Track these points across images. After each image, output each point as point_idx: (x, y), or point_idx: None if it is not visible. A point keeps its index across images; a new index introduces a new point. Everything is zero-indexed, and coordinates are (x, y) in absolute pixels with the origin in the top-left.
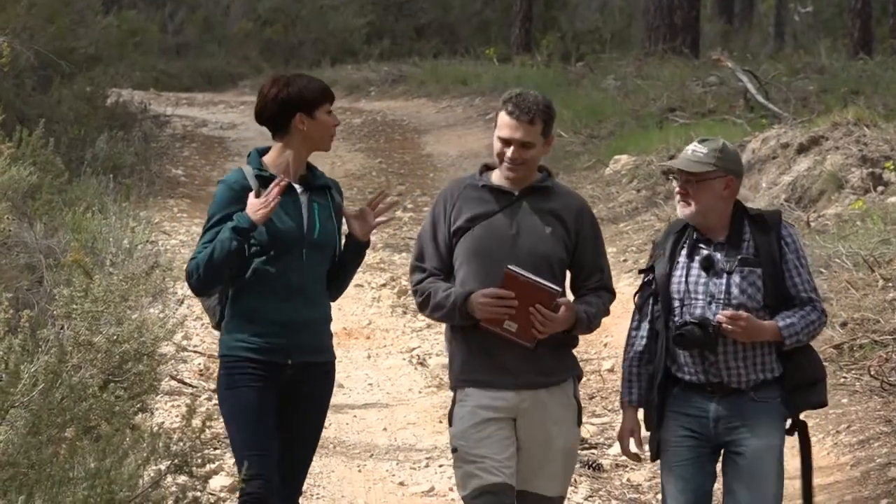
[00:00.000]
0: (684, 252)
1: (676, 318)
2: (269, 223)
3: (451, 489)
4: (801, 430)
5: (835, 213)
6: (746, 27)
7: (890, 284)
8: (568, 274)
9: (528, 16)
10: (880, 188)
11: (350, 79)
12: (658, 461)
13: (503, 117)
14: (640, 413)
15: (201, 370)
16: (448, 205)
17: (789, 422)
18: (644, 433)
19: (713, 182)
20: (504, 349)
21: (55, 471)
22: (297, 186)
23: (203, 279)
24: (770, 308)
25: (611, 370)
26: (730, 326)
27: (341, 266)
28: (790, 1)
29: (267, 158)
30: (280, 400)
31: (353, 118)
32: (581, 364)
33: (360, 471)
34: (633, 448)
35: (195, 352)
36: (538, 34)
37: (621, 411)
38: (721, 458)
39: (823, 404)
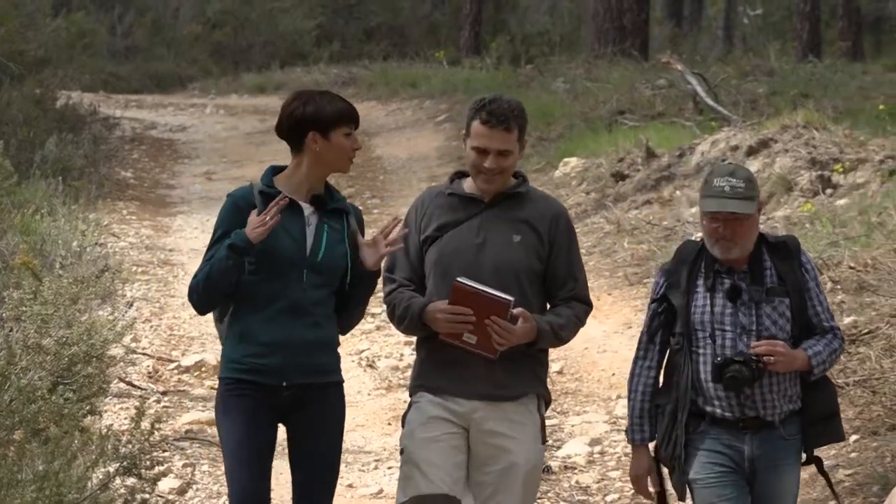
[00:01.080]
0: (701, 281)
1: (704, 351)
2: (266, 241)
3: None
4: (819, 466)
5: (784, 215)
6: (695, 30)
7: (839, 287)
8: None
9: (477, 18)
10: (829, 191)
11: (299, 81)
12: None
13: (477, 126)
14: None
15: (150, 372)
16: (419, 213)
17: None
18: (661, 468)
19: (755, 215)
20: (463, 359)
21: (3, 473)
22: (304, 206)
23: (202, 297)
24: (794, 338)
25: (559, 372)
26: (772, 358)
27: (350, 295)
28: (739, 4)
29: (280, 176)
30: (278, 422)
31: None
32: None
33: None
34: (650, 487)
35: (144, 354)
36: (487, 37)
37: (630, 449)
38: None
39: (841, 439)
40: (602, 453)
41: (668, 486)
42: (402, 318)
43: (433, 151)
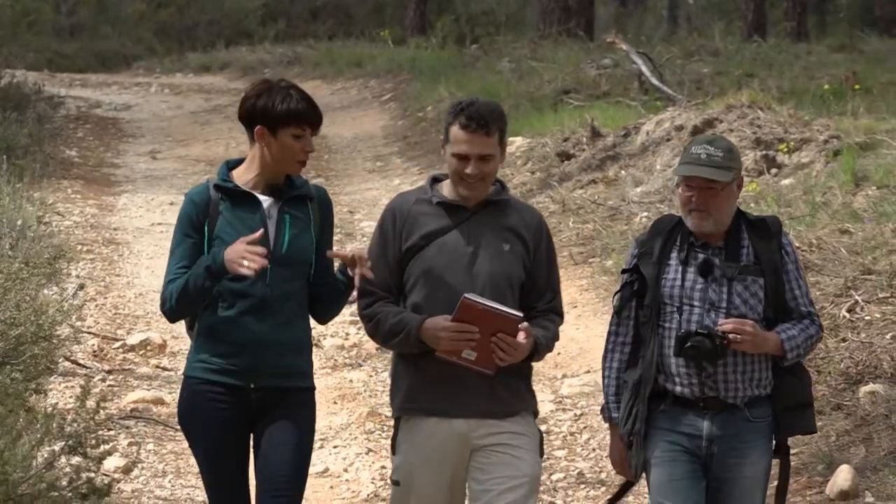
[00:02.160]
0: (675, 254)
1: (670, 325)
2: (225, 238)
3: (345, 470)
4: (785, 454)
5: None
6: (640, 10)
7: None
8: None
9: None
10: (774, 170)
11: (244, 60)
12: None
13: (457, 132)
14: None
15: (95, 351)
16: (398, 222)
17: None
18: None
19: (732, 186)
20: (458, 376)
21: None
22: (262, 198)
23: (176, 310)
24: (767, 320)
25: None
26: (738, 337)
27: (320, 300)
28: None
29: (237, 169)
30: (248, 425)
31: None
32: None
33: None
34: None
35: (89, 333)
36: (433, 16)
37: (609, 428)
38: (707, 480)
39: (813, 431)
40: (548, 433)
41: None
42: (391, 335)
43: (378, 131)
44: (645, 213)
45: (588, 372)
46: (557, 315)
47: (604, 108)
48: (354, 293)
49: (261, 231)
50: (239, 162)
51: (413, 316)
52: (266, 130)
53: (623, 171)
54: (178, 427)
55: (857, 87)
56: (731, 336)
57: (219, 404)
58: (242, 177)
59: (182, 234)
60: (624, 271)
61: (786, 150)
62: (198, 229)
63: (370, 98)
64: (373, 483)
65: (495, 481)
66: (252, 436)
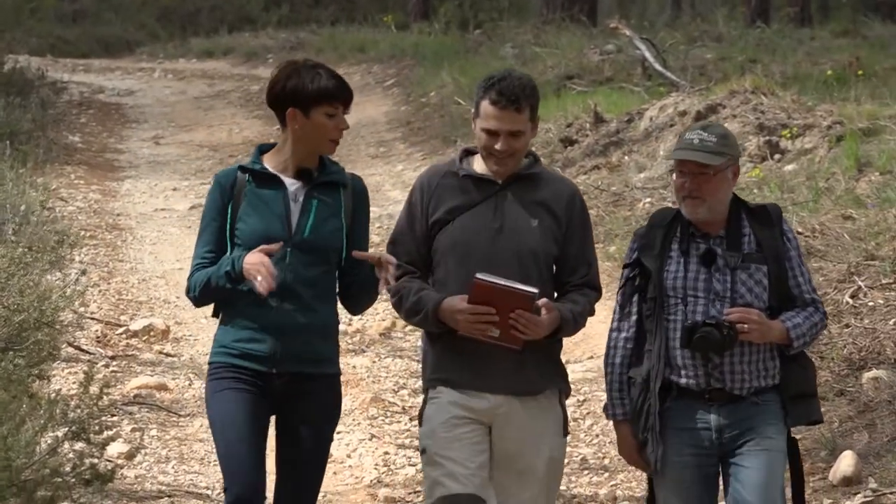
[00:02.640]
0: (676, 245)
1: (675, 317)
2: (246, 220)
3: (348, 456)
4: (793, 448)
5: None
6: None
7: None
8: None
9: None
10: (777, 156)
11: (248, 46)
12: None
13: (487, 107)
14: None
15: (98, 337)
16: (425, 195)
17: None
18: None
19: (726, 172)
20: (485, 351)
21: None
22: (288, 181)
23: (199, 300)
24: (771, 309)
25: None
26: (745, 326)
27: (350, 290)
28: None
29: (269, 153)
30: (271, 410)
31: (251, 85)
32: None
33: None
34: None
35: (93, 318)
36: (436, 1)
37: (613, 426)
38: (724, 469)
39: (820, 421)
40: None
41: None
42: (413, 313)
43: (382, 116)
44: (648, 199)
45: (591, 358)
46: (593, 289)
47: (607, 93)
48: (383, 288)
49: (279, 244)
50: (272, 146)
51: (431, 295)
52: (298, 112)
53: (626, 157)
54: (182, 413)
55: (860, 72)
56: (738, 326)
57: (241, 385)
58: (272, 160)
59: (209, 217)
60: (625, 266)
61: (789, 135)
62: (223, 212)
63: (373, 83)
64: (376, 469)
65: (515, 469)
66: (275, 421)
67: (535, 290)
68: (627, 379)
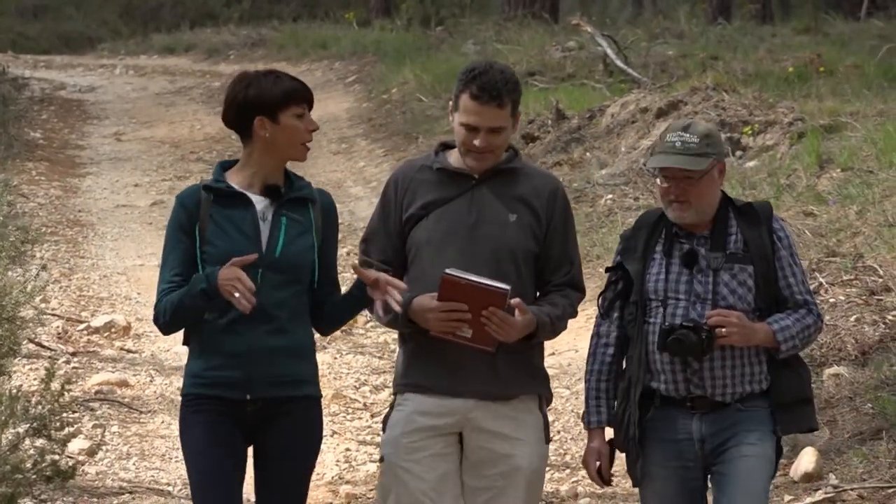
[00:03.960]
0: (660, 247)
1: (655, 320)
2: (215, 242)
3: None
4: (779, 454)
5: None
6: None
7: None
8: None
9: None
10: (739, 153)
11: (209, 42)
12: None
13: (467, 101)
14: (608, 432)
15: (59, 333)
16: (399, 189)
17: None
18: (614, 454)
19: (712, 173)
20: (457, 354)
21: None
22: (256, 199)
23: (171, 325)
24: (760, 311)
25: None
26: (723, 329)
27: (326, 310)
28: None
29: (232, 170)
30: (247, 439)
31: (213, 81)
32: None
33: None
34: (602, 472)
35: (54, 315)
36: None
37: (585, 433)
38: (710, 479)
39: (814, 429)
40: None
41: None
42: (384, 312)
43: (343, 113)
44: (610, 196)
45: (552, 354)
46: (575, 289)
47: (569, 90)
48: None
49: (254, 256)
50: (234, 163)
51: (402, 294)
52: (266, 119)
53: (588, 154)
54: (143, 410)
55: (821, 69)
56: (717, 330)
57: (214, 418)
58: (236, 177)
59: (174, 240)
60: (608, 270)
61: (750, 132)
62: (189, 233)
63: (335, 80)
64: (337, 465)
65: (491, 478)
66: (253, 449)
67: (506, 286)
68: (606, 386)
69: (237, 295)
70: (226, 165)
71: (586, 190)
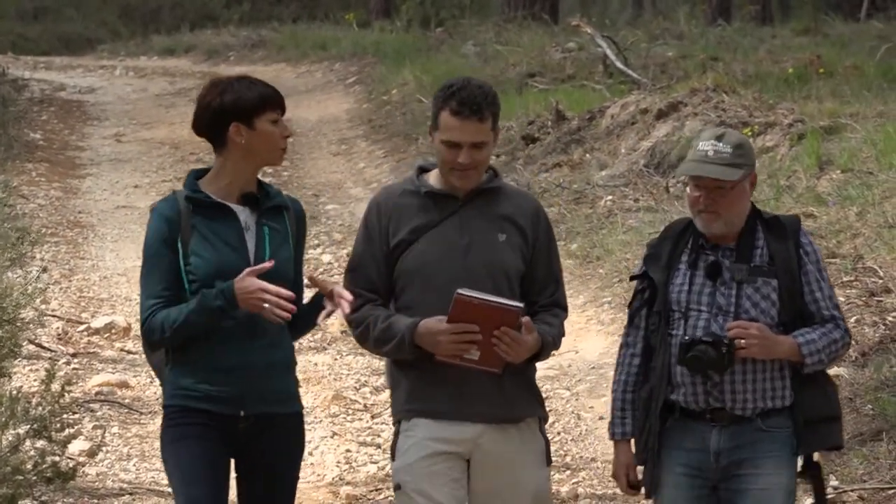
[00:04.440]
0: (685, 258)
1: (677, 332)
2: (200, 255)
3: (310, 454)
4: (815, 473)
5: None
6: None
7: None
8: None
9: None
10: None
11: (209, 43)
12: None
13: (447, 118)
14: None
15: (60, 334)
16: (383, 217)
17: (800, 462)
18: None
19: (744, 184)
20: (462, 376)
21: None
22: (237, 209)
23: (170, 340)
24: (784, 325)
25: None
26: (742, 341)
27: (304, 316)
28: None
29: (205, 179)
30: (233, 456)
31: None
32: None
33: None
34: (632, 482)
35: (54, 316)
36: None
37: (612, 445)
38: (721, 499)
39: (840, 446)
40: None
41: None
42: (383, 342)
43: (343, 114)
44: (609, 197)
45: (553, 355)
46: (561, 308)
47: (569, 91)
48: (328, 317)
49: (270, 262)
50: (205, 171)
51: (403, 320)
52: (242, 126)
53: (588, 155)
54: (143, 411)
55: (821, 70)
56: (736, 342)
57: (202, 431)
58: (211, 186)
59: (157, 253)
60: (632, 278)
61: (750, 133)
62: (171, 246)
63: (335, 81)
64: (338, 466)
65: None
66: (235, 463)
67: (520, 304)
68: (632, 397)
69: (266, 307)
70: (198, 174)
71: (586, 191)
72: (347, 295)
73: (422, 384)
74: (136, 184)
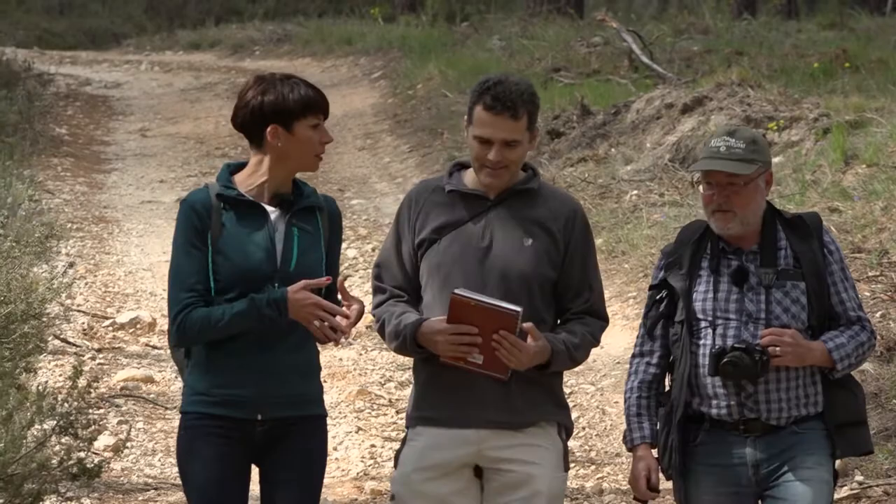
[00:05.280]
0: (706, 263)
1: (704, 342)
2: (226, 253)
3: (334, 448)
4: (834, 480)
5: None
6: None
7: None
8: None
9: None
10: None
11: (235, 38)
12: None
13: (480, 112)
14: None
15: (85, 329)
16: (413, 213)
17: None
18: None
19: (758, 181)
20: (470, 381)
21: None
22: (269, 209)
23: (199, 339)
24: (812, 329)
25: None
26: (777, 348)
27: None
28: None
29: (240, 175)
30: (252, 461)
31: (238, 77)
32: None
33: None
34: (652, 485)
35: (79, 311)
36: None
37: (631, 453)
38: (763, 498)
39: (870, 451)
40: None
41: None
42: (394, 337)
43: (369, 108)
44: (635, 191)
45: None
46: (596, 317)
47: (594, 85)
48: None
49: (327, 278)
50: (241, 166)
51: (410, 318)
52: (280, 128)
53: (613, 149)
54: (168, 406)
55: (846, 64)
56: (770, 349)
57: (220, 440)
58: (245, 183)
59: (187, 245)
60: (651, 287)
61: (775, 128)
62: (203, 240)
63: (360, 76)
64: (362, 461)
65: None
66: (258, 469)
67: (518, 308)
68: (647, 402)
69: (317, 324)
70: (232, 168)
71: (611, 186)
72: (345, 312)
73: (430, 390)
74: (162, 179)
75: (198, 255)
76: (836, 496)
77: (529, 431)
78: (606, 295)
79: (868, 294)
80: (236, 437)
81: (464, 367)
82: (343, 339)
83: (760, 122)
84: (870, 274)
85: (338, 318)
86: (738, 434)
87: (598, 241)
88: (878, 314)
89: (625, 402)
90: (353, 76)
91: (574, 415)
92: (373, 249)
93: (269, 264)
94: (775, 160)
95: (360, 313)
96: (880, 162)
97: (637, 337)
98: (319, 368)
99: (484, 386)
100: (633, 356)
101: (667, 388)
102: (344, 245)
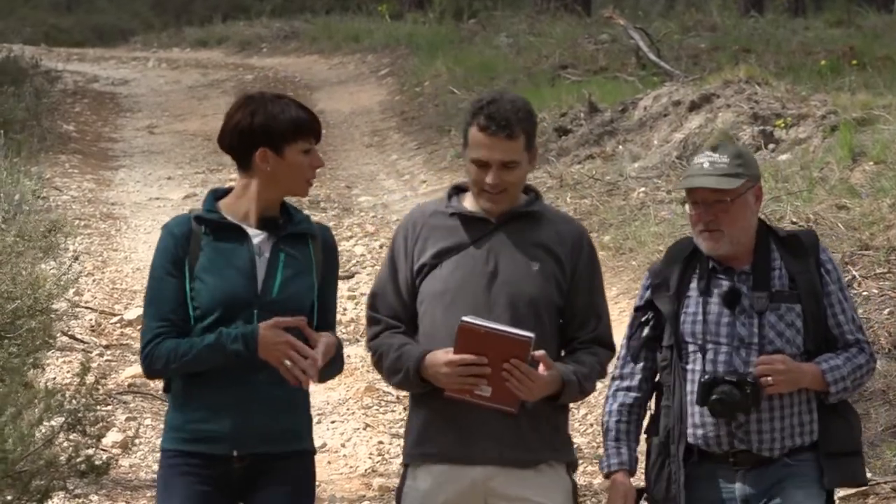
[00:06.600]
0: (695, 284)
1: (693, 367)
2: (205, 279)
3: (342, 445)
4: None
5: None
6: None
7: None
8: None
9: None
10: (771, 146)
11: (242, 35)
12: None
13: (476, 134)
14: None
15: (93, 326)
16: (410, 238)
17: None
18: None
19: (746, 196)
20: (473, 417)
21: None
22: (252, 232)
23: (167, 373)
24: (808, 353)
25: None
26: (769, 379)
27: (333, 357)
28: None
29: (225, 200)
30: (232, 502)
31: (245, 75)
32: None
33: None
34: None
35: (87, 308)
36: None
37: (607, 481)
38: None
39: (864, 483)
40: None
41: None
42: (394, 372)
43: (376, 105)
44: (642, 189)
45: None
46: (603, 346)
47: (601, 83)
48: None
49: (302, 319)
50: (227, 192)
51: (413, 351)
52: (269, 152)
53: (620, 147)
54: None
55: (854, 62)
56: (761, 380)
57: (195, 479)
58: (231, 208)
59: (163, 272)
60: (636, 309)
61: (783, 125)
62: (179, 267)
63: (367, 73)
64: (370, 458)
65: None
66: None
67: (530, 334)
68: (626, 427)
69: (288, 364)
70: (218, 194)
71: (619, 183)
72: (314, 355)
73: (431, 425)
74: (169, 175)
75: (174, 282)
76: (842, 493)
77: (539, 469)
78: (614, 292)
79: (876, 291)
80: (213, 474)
81: (470, 400)
82: (310, 383)
83: (768, 120)
84: (878, 271)
85: (309, 361)
86: (727, 467)
87: (605, 239)
88: (885, 311)
89: (602, 425)
90: (360, 73)
91: (582, 411)
92: (380, 246)
93: (249, 289)
94: (783, 157)
95: (329, 350)
96: (888, 159)
97: (618, 358)
98: (307, 402)
99: (490, 420)
100: (614, 378)
101: (650, 413)
102: (352, 241)
